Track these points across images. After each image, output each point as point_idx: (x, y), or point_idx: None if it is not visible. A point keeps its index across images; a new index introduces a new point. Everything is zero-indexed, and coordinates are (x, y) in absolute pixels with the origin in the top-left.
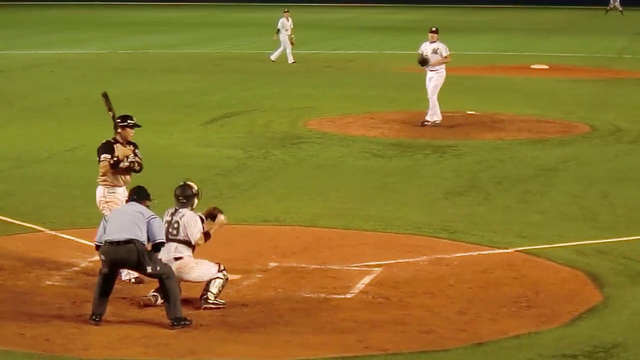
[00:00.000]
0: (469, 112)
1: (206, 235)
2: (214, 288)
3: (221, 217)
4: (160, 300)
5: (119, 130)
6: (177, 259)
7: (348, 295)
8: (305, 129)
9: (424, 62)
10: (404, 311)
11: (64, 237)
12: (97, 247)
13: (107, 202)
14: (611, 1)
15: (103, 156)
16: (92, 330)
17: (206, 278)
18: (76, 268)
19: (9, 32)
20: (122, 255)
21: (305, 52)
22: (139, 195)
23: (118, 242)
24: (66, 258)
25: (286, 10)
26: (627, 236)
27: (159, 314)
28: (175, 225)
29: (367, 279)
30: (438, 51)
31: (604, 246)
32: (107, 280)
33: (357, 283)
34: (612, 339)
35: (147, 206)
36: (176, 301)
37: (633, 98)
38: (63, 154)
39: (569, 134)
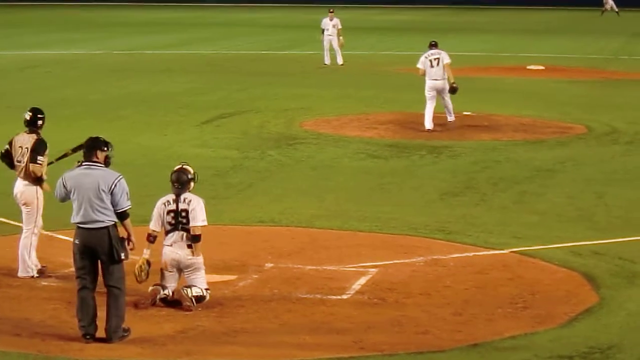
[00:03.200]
0: (464, 113)
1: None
2: (194, 291)
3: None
4: (164, 292)
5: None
6: (189, 246)
7: (344, 296)
8: (301, 129)
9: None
10: (400, 312)
11: (59, 238)
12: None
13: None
14: (604, 2)
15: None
16: None
17: (195, 279)
18: (72, 269)
19: (4, 32)
20: (95, 241)
21: (301, 53)
22: (89, 147)
23: (90, 229)
24: (62, 259)
25: (331, 10)
26: (623, 237)
27: (155, 314)
28: (184, 214)
29: (363, 280)
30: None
31: (600, 247)
32: (87, 296)
33: (353, 284)
34: (608, 340)
35: (107, 155)
36: (124, 309)
37: (629, 99)
38: (59, 154)
39: (565, 134)
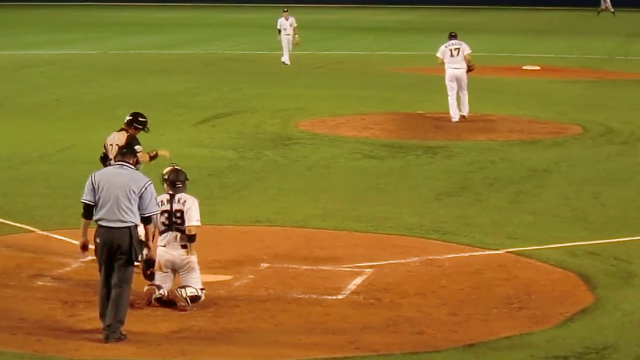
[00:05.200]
0: (460, 113)
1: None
2: (188, 291)
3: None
4: (160, 291)
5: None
6: (183, 246)
7: (339, 296)
8: (297, 129)
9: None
10: (396, 312)
11: (55, 238)
12: (86, 205)
13: None
14: (602, 2)
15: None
16: (84, 330)
17: (190, 279)
18: (67, 268)
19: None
20: (115, 239)
21: (297, 53)
22: (123, 154)
23: (112, 227)
24: (57, 258)
25: (285, 9)
26: (619, 237)
27: (150, 314)
28: (178, 215)
29: (358, 280)
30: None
31: (596, 247)
32: (103, 290)
33: (349, 284)
34: (603, 340)
35: (136, 160)
36: (125, 311)
37: (625, 99)
38: (54, 154)
39: (561, 135)
